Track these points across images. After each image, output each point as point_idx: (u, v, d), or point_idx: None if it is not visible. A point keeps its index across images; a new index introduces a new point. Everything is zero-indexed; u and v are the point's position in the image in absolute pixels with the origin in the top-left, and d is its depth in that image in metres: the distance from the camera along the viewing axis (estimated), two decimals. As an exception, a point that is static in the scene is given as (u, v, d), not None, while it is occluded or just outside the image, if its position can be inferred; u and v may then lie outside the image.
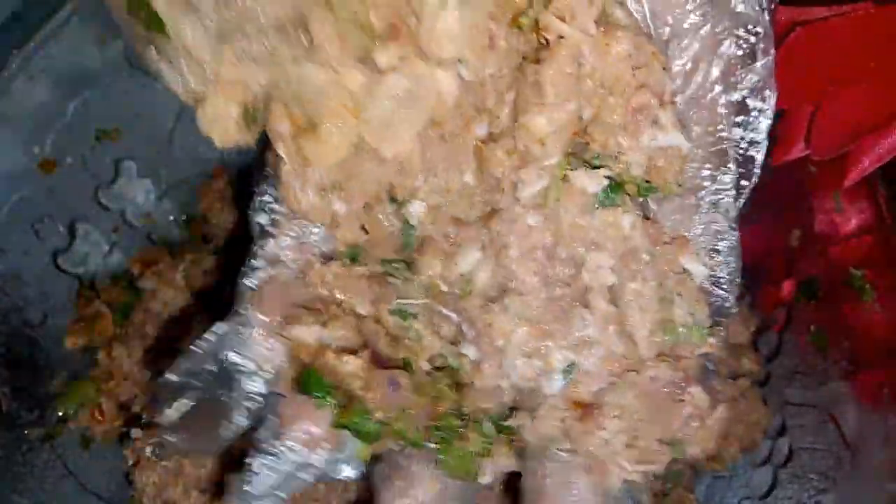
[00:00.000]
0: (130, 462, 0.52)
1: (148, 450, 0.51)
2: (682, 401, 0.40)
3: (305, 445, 0.41)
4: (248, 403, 0.42)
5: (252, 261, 0.43)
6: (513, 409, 0.42)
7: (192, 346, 0.41)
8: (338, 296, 0.42)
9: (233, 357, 0.42)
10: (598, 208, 0.37)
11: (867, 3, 0.39)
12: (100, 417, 0.56)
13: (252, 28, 0.34)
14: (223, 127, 0.36)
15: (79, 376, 0.57)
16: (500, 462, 0.42)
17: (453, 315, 0.40)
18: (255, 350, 0.42)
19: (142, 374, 0.56)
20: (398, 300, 0.41)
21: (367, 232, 0.41)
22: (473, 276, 0.39)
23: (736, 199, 0.40)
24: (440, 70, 0.35)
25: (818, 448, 0.49)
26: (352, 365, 0.40)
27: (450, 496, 0.43)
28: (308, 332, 0.41)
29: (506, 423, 0.41)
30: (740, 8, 0.36)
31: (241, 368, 0.42)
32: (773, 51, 0.37)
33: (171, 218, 0.65)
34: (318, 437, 0.41)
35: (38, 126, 0.54)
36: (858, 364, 0.48)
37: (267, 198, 0.43)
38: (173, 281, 0.61)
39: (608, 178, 0.37)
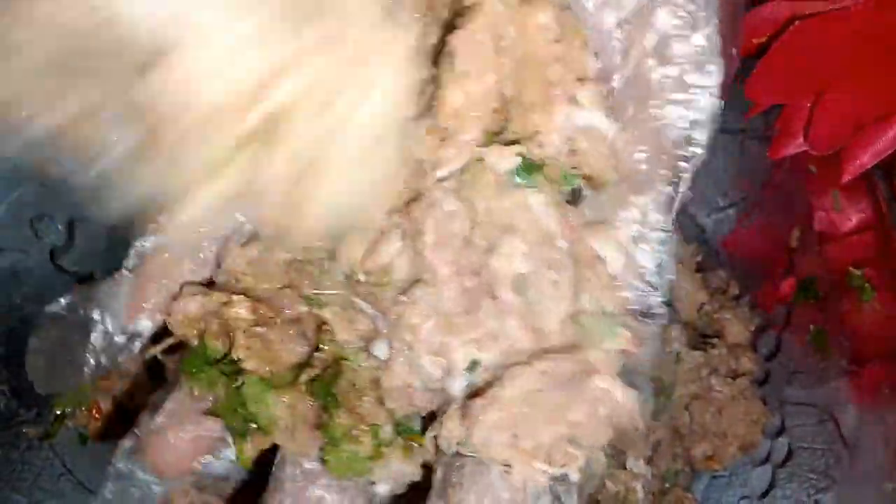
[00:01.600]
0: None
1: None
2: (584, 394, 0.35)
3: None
4: (91, 358, 0.41)
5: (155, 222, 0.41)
6: (427, 417, 0.39)
7: (76, 286, 0.44)
8: (245, 281, 0.41)
9: (93, 312, 0.41)
10: (512, 189, 0.35)
11: None
12: (97, 416, 0.56)
13: None
14: None
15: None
16: (394, 467, 0.39)
17: (369, 308, 0.38)
18: (115, 314, 0.41)
19: (139, 373, 0.56)
20: (314, 290, 0.39)
21: None
22: (393, 265, 0.37)
23: (675, 184, 0.37)
24: None
25: (817, 447, 0.49)
26: (239, 306, 0.38)
27: None
28: (194, 304, 0.40)
29: (416, 429, 0.39)
30: None
31: (96, 325, 0.41)
32: (715, 20, 0.34)
33: (169, 217, 0.65)
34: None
35: (37, 124, 0.54)
36: (858, 363, 0.48)
37: None
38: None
39: (522, 157, 0.35)
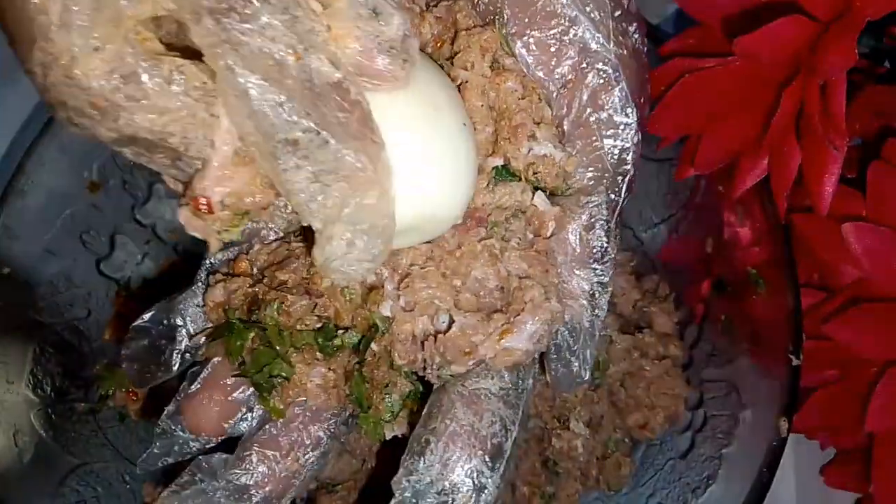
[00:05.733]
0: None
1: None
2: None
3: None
4: (178, 357, 0.47)
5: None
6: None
7: (158, 302, 0.48)
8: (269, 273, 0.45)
9: (176, 320, 0.47)
10: (501, 183, 0.45)
11: (737, 57, 0.50)
12: (133, 398, 0.65)
13: None
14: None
15: (117, 363, 0.64)
16: (402, 427, 0.45)
17: (385, 272, 0.43)
18: (194, 318, 0.47)
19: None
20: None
21: None
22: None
23: (616, 192, 0.47)
24: None
25: (724, 413, 0.58)
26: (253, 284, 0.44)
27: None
28: (219, 290, 0.45)
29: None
30: (594, 47, 0.44)
31: (180, 330, 0.47)
32: (623, 79, 0.45)
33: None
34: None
35: (88, 155, 0.65)
36: (756, 342, 0.58)
37: None
38: (194, 285, 0.71)
39: (506, 163, 0.45)
